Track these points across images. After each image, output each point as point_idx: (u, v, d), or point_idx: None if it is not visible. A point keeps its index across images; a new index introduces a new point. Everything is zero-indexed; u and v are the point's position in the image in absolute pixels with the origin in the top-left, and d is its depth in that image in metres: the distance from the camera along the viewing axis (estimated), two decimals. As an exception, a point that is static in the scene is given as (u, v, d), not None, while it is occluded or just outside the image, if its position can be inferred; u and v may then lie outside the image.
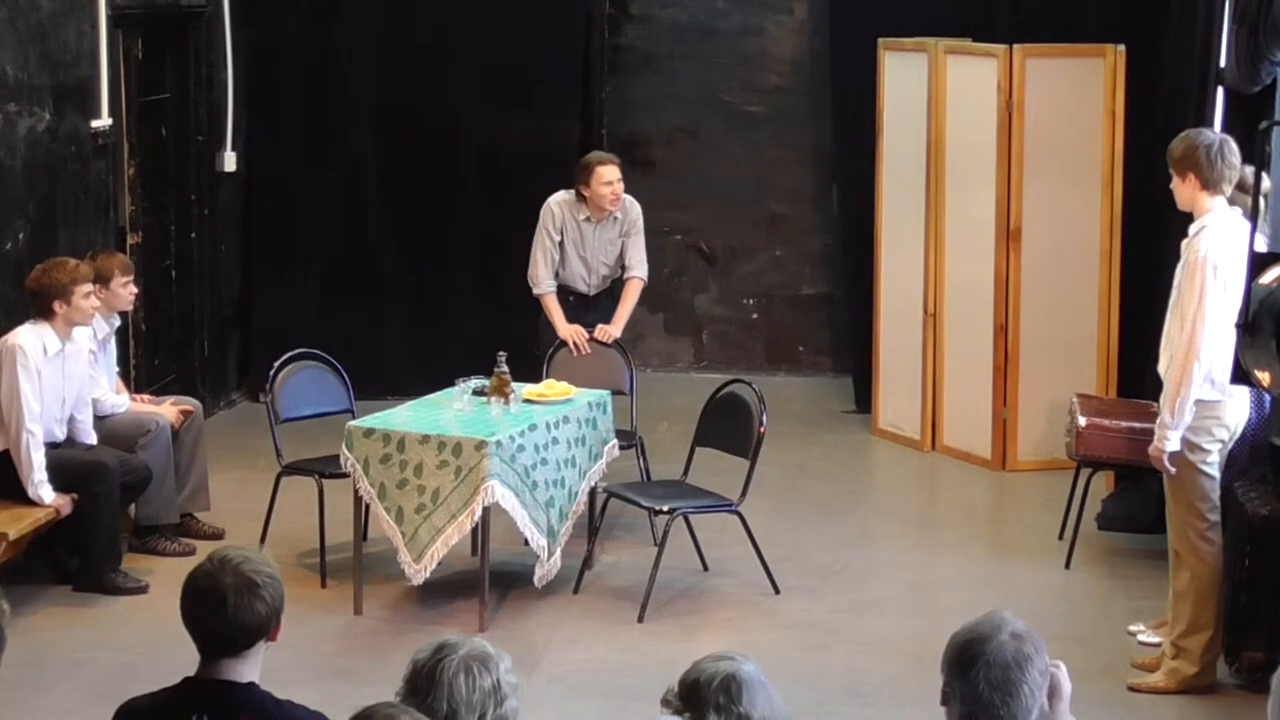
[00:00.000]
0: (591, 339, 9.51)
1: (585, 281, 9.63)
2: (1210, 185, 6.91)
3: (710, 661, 3.75)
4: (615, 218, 9.53)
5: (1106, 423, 8.68)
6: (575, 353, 9.46)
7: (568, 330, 9.50)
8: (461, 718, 3.63)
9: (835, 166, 12.30)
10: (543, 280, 9.56)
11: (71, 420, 8.37)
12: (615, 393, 9.10)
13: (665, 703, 3.71)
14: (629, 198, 9.59)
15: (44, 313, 8.12)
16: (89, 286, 8.19)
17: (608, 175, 9.42)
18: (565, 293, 9.62)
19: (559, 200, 9.57)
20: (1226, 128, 8.30)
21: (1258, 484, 7.39)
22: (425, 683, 3.66)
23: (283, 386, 8.97)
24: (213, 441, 9.53)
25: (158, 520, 8.77)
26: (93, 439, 8.46)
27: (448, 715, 3.63)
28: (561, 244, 9.53)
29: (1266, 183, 7.29)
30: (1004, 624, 3.57)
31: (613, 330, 9.56)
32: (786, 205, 12.83)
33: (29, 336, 8.06)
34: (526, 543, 8.10)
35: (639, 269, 9.64)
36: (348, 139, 11.90)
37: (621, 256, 9.62)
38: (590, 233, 9.53)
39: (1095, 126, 10.29)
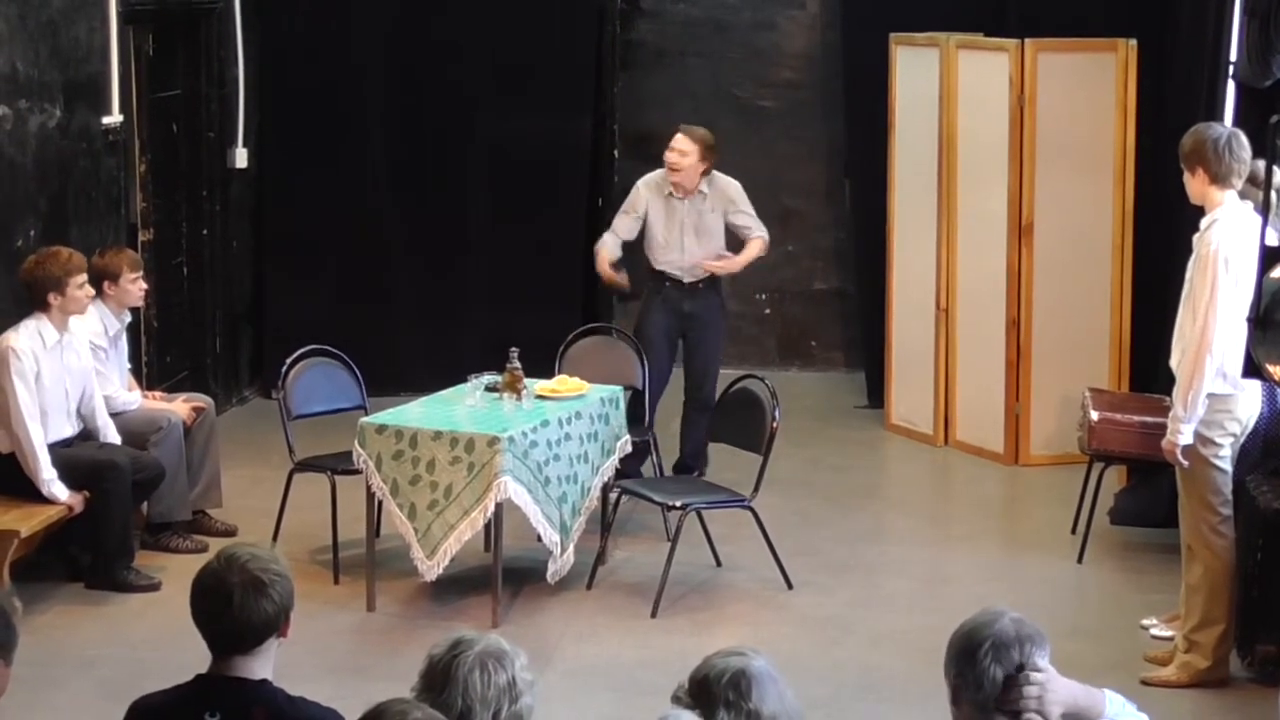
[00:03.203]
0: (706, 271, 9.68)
1: (679, 267, 9.67)
2: (1220, 179, 6.91)
3: (721, 657, 3.73)
4: (703, 192, 9.60)
5: (1119, 417, 8.67)
6: (611, 287, 9.79)
7: (608, 273, 9.72)
8: (476, 714, 3.63)
9: (847, 162, 12.29)
10: (606, 242, 9.75)
11: (91, 420, 8.38)
12: (628, 388, 9.10)
13: (676, 699, 3.70)
14: (725, 177, 9.71)
15: (39, 304, 8.10)
16: (83, 277, 8.17)
17: (672, 142, 9.59)
18: (663, 279, 9.70)
19: (645, 180, 9.79)
20: (1238, 122, 8.29)
21: (1270, 478, 7.39)
22: (440, 678, 3.66)
23: (295, 383, 8.98)
24: (225, 438, 9.54)
25: (170, 517, 8.78)
26: (116, 438, 8.46)
27: (462, 712, 3.62)
28: (649, 224, 9.65)
29: (1278, 176, 7.27)
30: (1002, 612, 3.66)
31: (730, 266, 9.75)
32: (799, 200, 12.81)
33: (23, 338, 8.04)
34: (539, 538, 8.11)
35: (757, 230, 9.78)
36: (360, 135, 11.89)
37: (719, 238, 9.75)
38: (679, 208, 9.61)
39: (1107, 121, 10.27)
